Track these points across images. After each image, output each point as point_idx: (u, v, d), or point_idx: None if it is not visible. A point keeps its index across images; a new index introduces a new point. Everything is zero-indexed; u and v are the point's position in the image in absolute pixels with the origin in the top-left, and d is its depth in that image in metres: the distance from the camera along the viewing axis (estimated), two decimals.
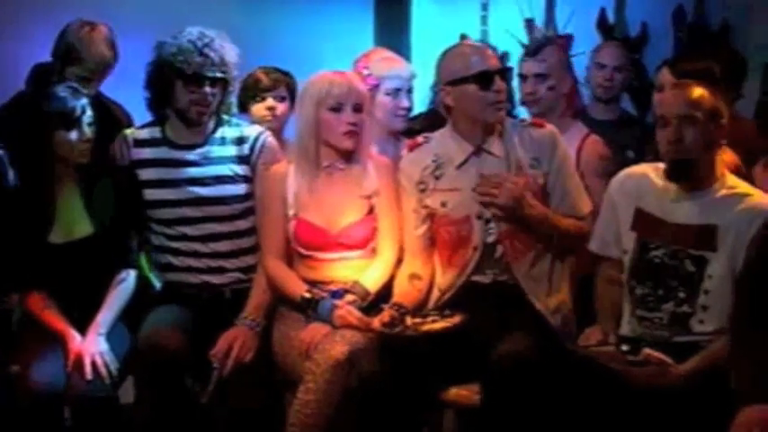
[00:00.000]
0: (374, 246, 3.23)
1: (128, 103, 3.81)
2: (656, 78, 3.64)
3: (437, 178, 3.17)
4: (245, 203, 3.34)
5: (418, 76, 3.71)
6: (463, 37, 4.90)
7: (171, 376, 3.10)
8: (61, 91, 3.19)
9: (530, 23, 4.96)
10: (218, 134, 3.36)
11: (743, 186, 2.91)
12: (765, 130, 3.75)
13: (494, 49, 3.54)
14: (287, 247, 3.25)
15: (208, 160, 3.33)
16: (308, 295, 3.14)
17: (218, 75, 3.25)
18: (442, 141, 3.21)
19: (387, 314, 3.01)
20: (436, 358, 2.93)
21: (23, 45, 4.13)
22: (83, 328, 3.15)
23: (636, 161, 3.47)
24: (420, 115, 3.98)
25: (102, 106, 3.53)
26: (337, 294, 3.14)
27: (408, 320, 2.99)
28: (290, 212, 3.22)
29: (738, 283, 2.73)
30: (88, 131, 3.18)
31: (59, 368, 3.06)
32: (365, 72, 3.56)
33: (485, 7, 5.19)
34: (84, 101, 3.20)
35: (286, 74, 3.83)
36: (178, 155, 3.33)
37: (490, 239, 3.12)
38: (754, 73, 4.33)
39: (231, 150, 3.35)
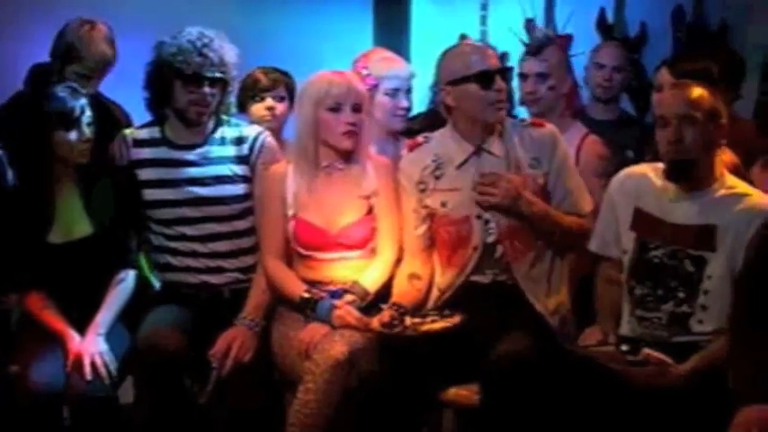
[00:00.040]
0: (373, 246, 3.23)
1: (127, 104, 3.81)
2: (655, 78, 3.64)
3: (437, 178, 3.17)
4: (244, 203, 3.34)
5: (418, 75, 3.71)
6: (463, 37, 4.90)
7: (170, 376, 3.10)
8: (60, 91, 3.19)
9: (530, 23, 4.96)
10: (218, 134, 3.36)
11: (742, 186, 2.91)
12: (765, 130, 3.75)
13: (494, 48, 3.54)
14: (286, 248, 3.24)
15: (207, 160, 3.33)
16: (307, 295, 3.14)
17: (218, 75, 3.25)
18: (442, 141, 3.21)
19: (386, 314, 3.01)
20: (435, 358, 2.93)
21: (23, 45, 4.13)
22: (82, 329, 3.15)
23: (635, 161, 3.47)
24: (419, 115, 3.98)
25: (102, 106, 3.52)
26: (336, 294, 3.14)
27: (408, 320, 2.99)
28: (290, 212, 3.22)
29: (737, 284, 2.73)
30: (87, 131, 3.18)
31: (59, 368, 3.06)
32: (364, 72, 3.56)
33: (484, 7, 5.19)
34: (84, 101, 3.20)
35: (285, 74, 3.82)
36: (177, 155, 3.33)
37: (490, 239, 3.12)
38: (753, 73, 4.33)
39: (230, 150, 3.35)
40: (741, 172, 3.09)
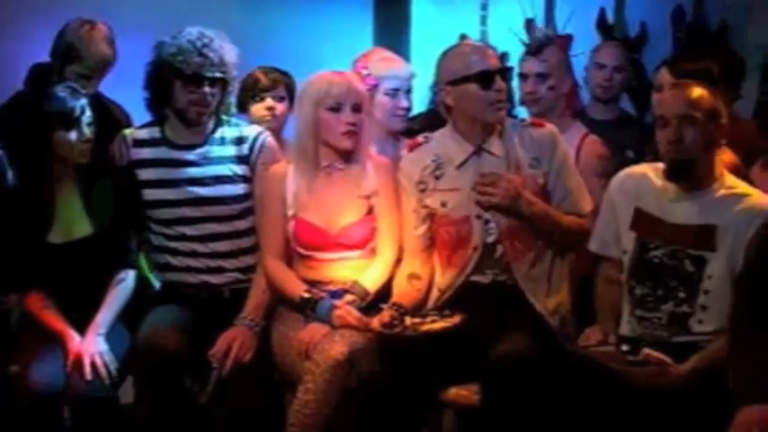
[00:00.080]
0: (373, 246, 3.23)
1: (127, 104, 3.81)
2: (655, 78, 3.64)
3: (437, 178, 3.17)
4: (244, 203, 3.34)
5: (418, 75, 3.70)
6: (463, 37, 4.89)
7: (170, 376, 3.10)
8: (60, 91, 3.19)
9: (530, 23, 4.96)
10: (218, 134, 3.36)
11: (742, 186, 2.91)
12: (765, 129, 3.75)
13: (494, 48, 3.54)
14: (286, 248, 3.24)
15: (207, 160, 3.33)
16: (307, 295, 3.14)
17: (218, 75, 3.25)
18: (442, 141, 3.21)
19: (386, 314, 3.01)
20: (435, 358, 2.93)
21: (23, 45, 4.13)
22: (82, 329, 3.15)
23: (635, 161, 3.47)
24: (419, 115, 3.98)
25: (102, 106, 3.53)
26: (336, 294, 3.14)
27: (408, 320, 2.99)
28: (290, 212, 3.22)
29: (738, 284, 2.73)
30: (87, 131, 3.18)
31: (59, 368, 3.06)
32: (364, 72, 3.56)
33: (484, 7, 5.19)
34: (84, 101, 3.20)
35: (285, 74, 3.82)
36: (177, 155, 3.33)
37: (490, 239, 3.12)
38: (753, 73, 4.33)
39: (230, 150, 3.35)
40: (741, 172, 3.09)
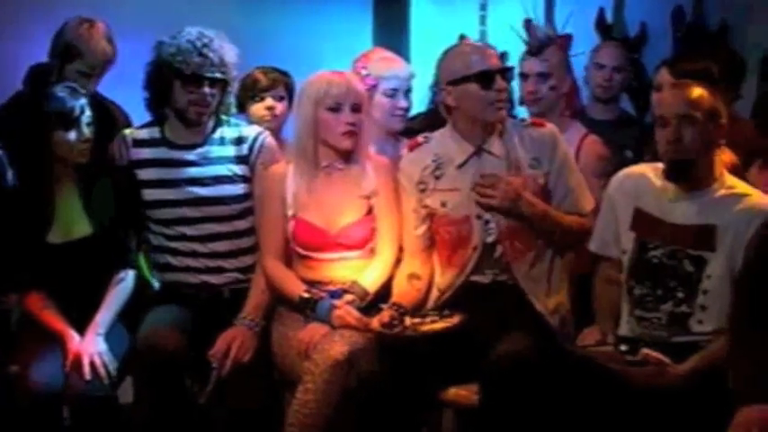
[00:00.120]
0: (373, 246, 3.23)
1: (126, 104, 3.80)
2: (655, 78, 3.64)
3: (437, 178, 3.17)
4: (243, 204, 3.34)
5: (417, 75, 3.70)
6: (462, 37, 4.89)
7: (169, 376, 3.10)
8: (60, 91, 3.19)
9: (530, 23, 4.96)
10: (217, 134, 3.36)
11: (742, 186, 2.91)
12: (763, 129, 3.75)
13: (494, 48, 3.54)
14: (286, 248, 3.24)
15: (207, 160, 3.33)
16: (306, 295, 3.14)
17: (217, 75, 3.25)
18: (443, 141, 3.20)
19: (386, 314, 3.01)
20: (435, 358, 2.93)
21: (23, 45, 4.12)
22: (81, 328, 3.15)
23: (634, 161, 3.47)
24: (419, 115, 3.98)
25: (101, 106, 3.52)
26: (336, 294, 3.14)
27: (407, 321, 2.99)
28: (289, 212, 3.22)
29: (737, 284, 2.73)
30: (87, 131, 3.18)
31: (58, 368, 3.06)
32: (363, 72, 3.56)
33: (483, 7, 5.19)
34: (83, 101, 3.20)
35: (284, 73, 3.82)
36: (177, 155, 3.34)
37: (490, 239, 3.12)
38: (753, 73, 4.33)
39: (230, 150, 3.35)
40: (740, 172, 3.09)
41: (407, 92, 3.62)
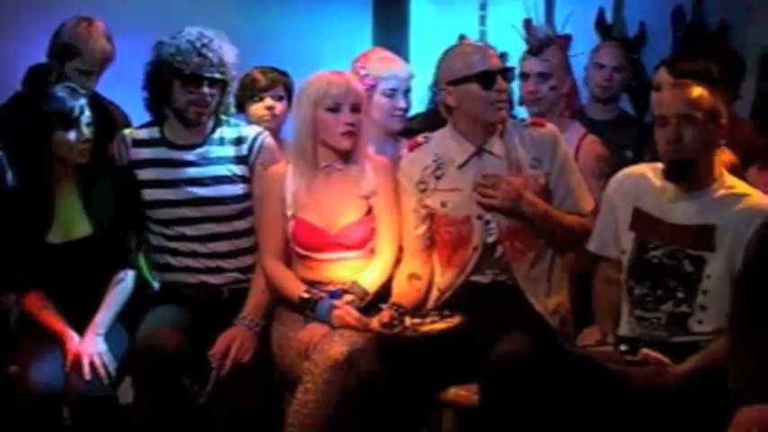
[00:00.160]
0: (372, 246, 3.23)
1: (126, 104, 3.80)
2: (654, 78, 3.64)
3: (438, 178, 3.17)
4: (243, 204, 3.34)
5: (417, 75, 3.70)
6: (462, 37, 4.89)
7: (169, 376, 3.10)
8: (59, 91, 3.19)
9: (529, 23, 4.96)
10: (217, 134, 3.36)
11: (741, 186, 2.91)
12: (762, 129, 3.75)
13: (494, 48, 3.54)
14: (285, 248, 3.24)
15: (206, 160, 3.33)
16: (306, 295, 3.14)
17: (217, 75, 3.25)
18: (443, 141, 3.20)
19: (386, 314, 3.01)
20: (435, 358, 2.93)
21: (23, 45, 4.12)
22: (81, 329, 3.15)
23: (634, 161, 3.47)
24: (419, 115, 3.98)
25: (101, 106, 3.52)
26: (336, 294, 3.14)
27: (407, 321, 2.99)
28: (289, 213, 3.22)
29: (737, 284, 2.73)
30: (87, 131, 3.18)
31: (58, 368, 3.06)
32: (362, 72, 3.55)
33: (483, 7, 5.19)
34: (83, 101, 3.20)
35: (283, 73, 3.82)
36: (177, 155, 3.33)
37: (490, 240, 3.12)
38: (752, 73, 4.33)
39: (229, 151, 3.35)
40: (740, 172, 3.09)
41: (406, 92, 3.62)
